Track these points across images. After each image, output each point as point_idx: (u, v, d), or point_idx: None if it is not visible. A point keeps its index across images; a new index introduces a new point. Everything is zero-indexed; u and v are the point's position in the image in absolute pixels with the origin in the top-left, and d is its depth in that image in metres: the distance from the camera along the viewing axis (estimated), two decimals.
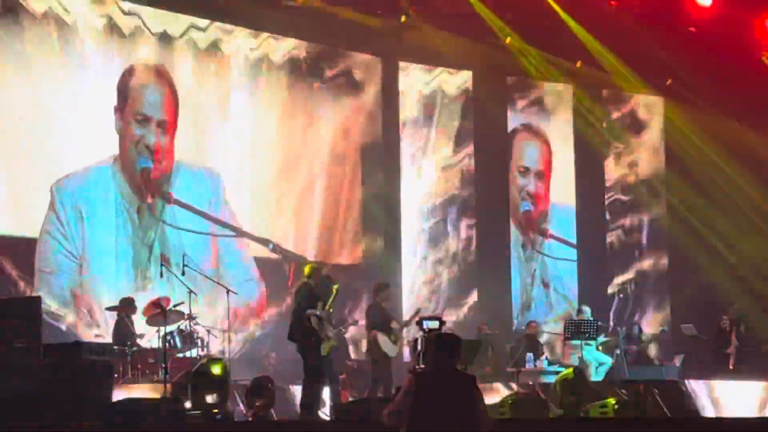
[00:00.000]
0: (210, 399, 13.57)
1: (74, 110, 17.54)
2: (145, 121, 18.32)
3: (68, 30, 17.59)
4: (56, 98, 17.40)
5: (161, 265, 17.16)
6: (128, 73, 18.25)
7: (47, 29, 17.37)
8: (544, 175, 24.25)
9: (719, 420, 15.93)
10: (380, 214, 21.35)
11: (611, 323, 23.26)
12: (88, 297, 17.47)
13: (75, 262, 17.42)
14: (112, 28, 18.08)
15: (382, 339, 16.22)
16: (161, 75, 18.70)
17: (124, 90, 18.16)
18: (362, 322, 17.54)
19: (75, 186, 17.58)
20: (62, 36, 17.52)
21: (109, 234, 17.87)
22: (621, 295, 24.69)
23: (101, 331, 17.06)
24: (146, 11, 18.49)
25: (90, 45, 17.86)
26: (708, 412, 16.57)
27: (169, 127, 18.63)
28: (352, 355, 19.11)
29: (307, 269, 15.09)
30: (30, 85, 17.20)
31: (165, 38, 18.72)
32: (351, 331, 18.69)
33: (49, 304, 16.70)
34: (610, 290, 24.53)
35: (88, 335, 16.89)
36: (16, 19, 17.04)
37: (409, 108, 22.25)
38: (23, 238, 17.03)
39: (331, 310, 15.00)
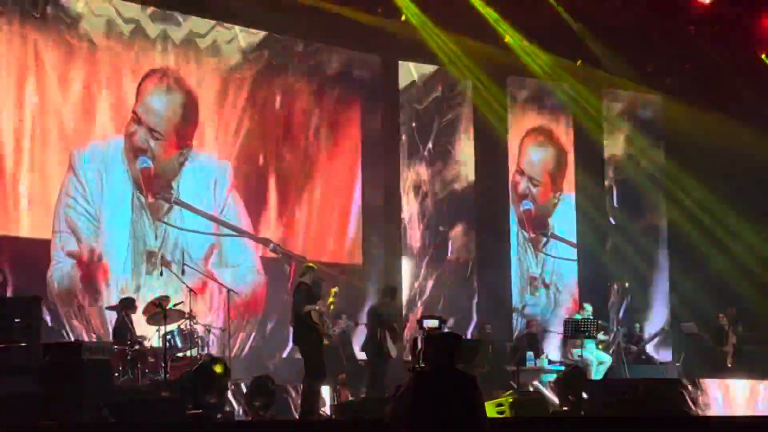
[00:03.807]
0: (210, 398, 13.59)
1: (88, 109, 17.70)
2: (139, 122, 18.31)
3: (80, 27, 17.66)
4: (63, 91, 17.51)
5: (161, 264, 17.18)
6: (144, 75, 18.33)
7: (60, 26, 17.44)
8: (544, 181, 24.23)
9: (719, 418, 15.94)
10: (381, 213, 21.33)
11: (613, 322, 23.27)
12: (103, 263, 17.50)
13: (93, 223, 17.43)
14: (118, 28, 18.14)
15: (389, 339, 16.29)
16: (174, 82, 18.71)
17: (137, 89, 18.24)
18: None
19: (96, 151, 17.62)
20: (69, 31, 17.57)
21: (120, 229, 17.87)
22: (621, 293, 24.67)
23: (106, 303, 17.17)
24: (147, 11, 18.51)
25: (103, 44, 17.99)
26: (708, 410, 16.57)
27: (165, 141, 18.57)
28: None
29: (302, 269, 15.11)
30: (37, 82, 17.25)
31: (166, 38, 18.72)
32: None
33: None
34: (610, 288, 24.51)
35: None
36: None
37: (408, 107, 22.24)
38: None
39: (332, 307, 15.02)
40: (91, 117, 17.68)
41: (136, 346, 15.30)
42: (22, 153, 16.89)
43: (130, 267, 17.90)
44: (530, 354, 19.45)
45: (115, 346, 14.95)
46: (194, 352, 15.49)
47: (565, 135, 24.55)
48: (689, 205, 24.35)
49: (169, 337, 15.21)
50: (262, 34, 19.93)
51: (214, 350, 16.51)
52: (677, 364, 21.12)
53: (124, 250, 17.85)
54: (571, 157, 24.49)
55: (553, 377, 17.44)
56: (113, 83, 17.95)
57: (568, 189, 24.42)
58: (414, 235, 22.13)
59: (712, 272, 23.55)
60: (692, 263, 23.97)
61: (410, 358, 16.62)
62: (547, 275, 23.90)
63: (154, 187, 18.36)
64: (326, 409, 15.14)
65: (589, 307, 20.30)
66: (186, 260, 16.45)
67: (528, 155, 24.08)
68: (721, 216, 23.96)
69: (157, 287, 17.37)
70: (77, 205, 17.34)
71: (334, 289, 15.10)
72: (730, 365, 20.76)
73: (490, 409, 13.22)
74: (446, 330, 15.46)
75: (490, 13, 21.41)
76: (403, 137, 22.06)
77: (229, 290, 16.73)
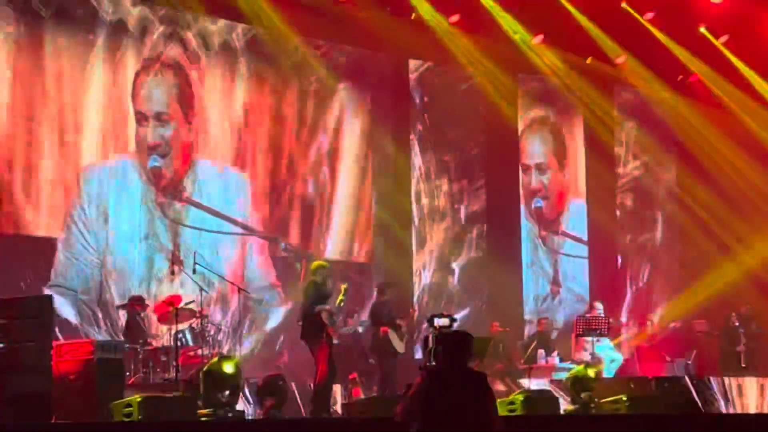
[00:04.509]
0: (221, 397, 13.60)
1: (92, 106, 17.67)
2: (144, 119, 18.31)
3: (81, 26, 17.66)
4: (73, 95, 17.50)
5: (172, 263, 17.19)
6: (137, 73, 18.28)
7: (62, 26, 17.43)
8: (553, 169, 24.21)
9: (732, 416, 15.93)
10: (391, 211, 21.32)
11: (623, 320, 23.25)
12: (105, 293, 17.49)
13: (95, 255, 17.39)
14: (123, 25, 18.14)
15: (393, 336, 16.31)
16: (167, 68, 18.64)
17: (134, 90, 18.20)
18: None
19: (101, 176, 17.60)
20: (75, 31, 17.58)
21: (131, 228, 17.90)
22: (634, 291, 24.66)
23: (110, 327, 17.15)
24: (156, 9, 18.54)
25: (104, 42, 17.92)
26: (720, 408, 16.57)
27: (169, 118, 18.55)
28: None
29: (313, 267, 15.10)
30: (49, 83, 17.26)
31: (174, 36, 18.73)
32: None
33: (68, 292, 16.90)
34: (622, 286, 24.50)
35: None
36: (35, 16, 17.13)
37: (419, 105, 22.23)
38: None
39: (342, 305, 15.03)
40: (95, 133, 17.75)
41: (148, 345, 15.32)
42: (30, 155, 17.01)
43: (145, 271, 17.93)
44: (541, 352, 19.44)
45: (127, 345, 14.98)
46: (206, 350, 15.49)
47: (575, 132, 24.52)
48: (699, 203, 24.32)
49: (180, 335, 15.22)
50: (270, 33, 19.94)
51: (225, 349, 16.53)
52: (688, 362, 21.09)
53: (138, 252, 17.90)
54: (580, 153, 24.47)
55: (565, 375, 17.42)
56: (108, 90, 17.97)
57: (578, 187, 24.40)
58: (424, 233, 22.11)
59: (723, 269, 23.53)
60: (703, 261, 23.95)
61: (419, 356, 16.66)
62: (558, 273, 23.88)
63: (165, 187, 18.38)
64: (337, 408, 15.15)
65: (600, 306, 20.29)
66: (197, 260, 16.42)
67: (528, 147, 24.01)
68: (731, 216, 23.96)
69: (176, 287, 17.46)
70: (82, 240, 17.35)
71: (344, 286, 15.09)
72: (744, 365, 20.72)
73: (502, 408, 13.21)
74: (457, 328, 15.46)
75: (498, 12, 21.40)
76: (413, 135, 22.05)
77: (240, 289, 16.74)
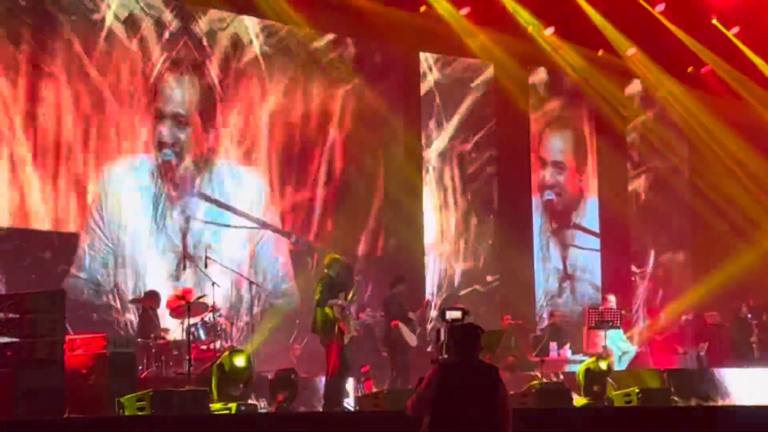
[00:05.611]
0: (234, 391, 13.63)
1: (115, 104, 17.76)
2: (162, 117, 18.35)
3: (99, 25, 17.72)
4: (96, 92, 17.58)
5: (184, 258, 17.23)
6: (158, 72, 18.32)
7: (81, 22, 17.52)
8: (569, 166, 24.19)
9: (743, 408, 15.91)
10: (403, 205, 21.31)
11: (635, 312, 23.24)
12: (119, 285, 17.57)
13: (110, 249, 17.48)
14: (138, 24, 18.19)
15: (404, 329, 16.32)
16: (185, 68, 18.70)
17: (155, 88, 18.25)
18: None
19: (117, 172, 17.70)
20: (93, 29, 17.64)
21: (145, 223, 17.96)
22: (646, 283, 24.64)
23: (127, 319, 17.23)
24: (168, 7, 18.58)
25: (122, 39, 17.99)
26: (731, 400, 16.55)
27: (186, 120, 18.63)
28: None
29: (326, 260, 15.11)
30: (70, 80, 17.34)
31: (190, 33, 18.76)
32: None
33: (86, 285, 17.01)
34: (634, 279, 24.47)
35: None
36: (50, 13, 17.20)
37: (430, 99, 22.21)
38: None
39: (355, 298, 15.04)
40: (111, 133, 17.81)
41: (160, 340, 15.36)
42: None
43: (158, 266, 17.98)
44: (554, 344, 19.43)
45: (140, 339, 15.02)
46: (218, 344, 15.52)
47: (587, 124, 24.49)
48: (713, 194, 24.28)
49: (192, 329, 15.24)
50: (283, 27, 19.94)
51: (237, 342, 16.55)
52: (701, 354, 21.07)
53: (150, 247, 17.95)
54: (591, 142, 24.44)
55: (577, 368, 17.41)
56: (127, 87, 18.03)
57: (590, 179, 24.37)
58: (436, 226, 22.11)
59: (736, 262, 23.50)
60: (716, 253, 23.91)
61: (431, 348, 16.66)
62: (570, 266, 23.86)
63: (179, 183, 18.41)
64: (350, 401, 15.16)
65: (613, 298, 20.26)
66: (209, 254, 16.46)
67: (548, 143, 24.00)
68: (746, 206, 23.91)
69: (190, 281, 17.51)
70: (100, 234, 17.45)
71: (356, 280, 15.10)
72: (757, 357, 20.70)
73: (514, 399, 13.21)
74: (468, 321, 15.45)
75: (512, 5, 21.38)
76: (424, 129, 22.03)
77: (251, 282, 16.76)
